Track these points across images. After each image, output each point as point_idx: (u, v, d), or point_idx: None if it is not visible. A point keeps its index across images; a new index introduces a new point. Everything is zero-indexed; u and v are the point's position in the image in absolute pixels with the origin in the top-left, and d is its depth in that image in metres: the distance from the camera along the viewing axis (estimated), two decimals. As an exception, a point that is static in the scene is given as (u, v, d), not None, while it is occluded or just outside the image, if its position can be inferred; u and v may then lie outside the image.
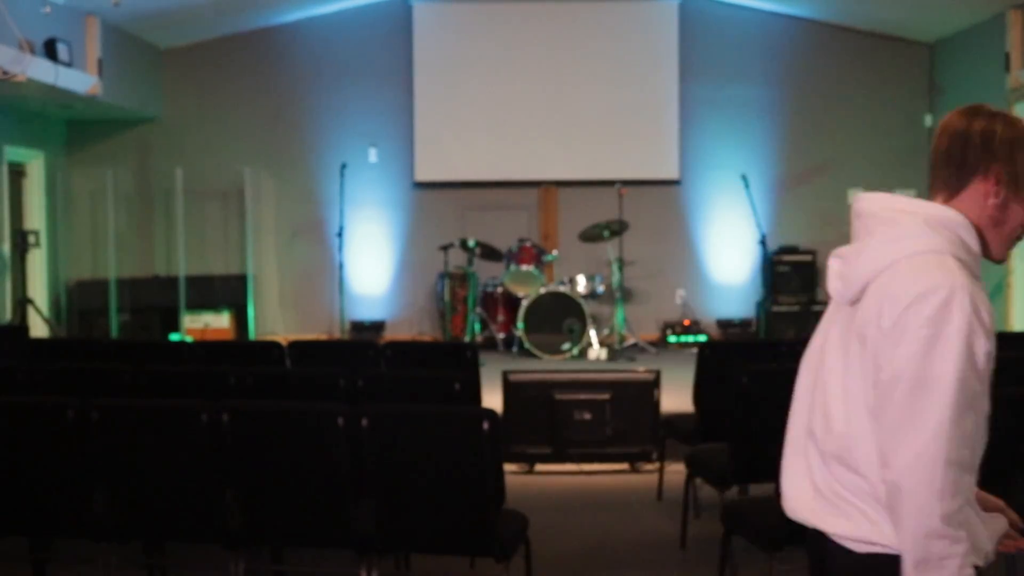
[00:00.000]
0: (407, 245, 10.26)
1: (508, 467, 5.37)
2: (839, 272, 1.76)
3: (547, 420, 5.78)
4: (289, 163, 10.28)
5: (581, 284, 9.06)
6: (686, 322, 9.91)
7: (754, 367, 4.14)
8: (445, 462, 3.22)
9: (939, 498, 1.54)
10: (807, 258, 9.91)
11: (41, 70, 7.35)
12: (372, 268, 10.23)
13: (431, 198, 10.22)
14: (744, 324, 10.00)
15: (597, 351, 8.91)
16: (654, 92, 10.17)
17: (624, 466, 5.88)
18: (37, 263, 9.26)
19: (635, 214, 9.60)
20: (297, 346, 5.37)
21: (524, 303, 8.83)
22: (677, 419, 5.26)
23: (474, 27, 10.22)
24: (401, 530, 3.29)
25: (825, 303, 10.50)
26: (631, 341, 9.36)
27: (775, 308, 9.61)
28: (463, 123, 10.13)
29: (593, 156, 10.12)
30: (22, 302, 8.53)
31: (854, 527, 1.66)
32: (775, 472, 3.41)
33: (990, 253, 1.68)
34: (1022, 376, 4.27)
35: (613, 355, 8.88)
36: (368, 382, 4.14)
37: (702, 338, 9.61)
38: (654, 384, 5.86)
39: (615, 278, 9.38)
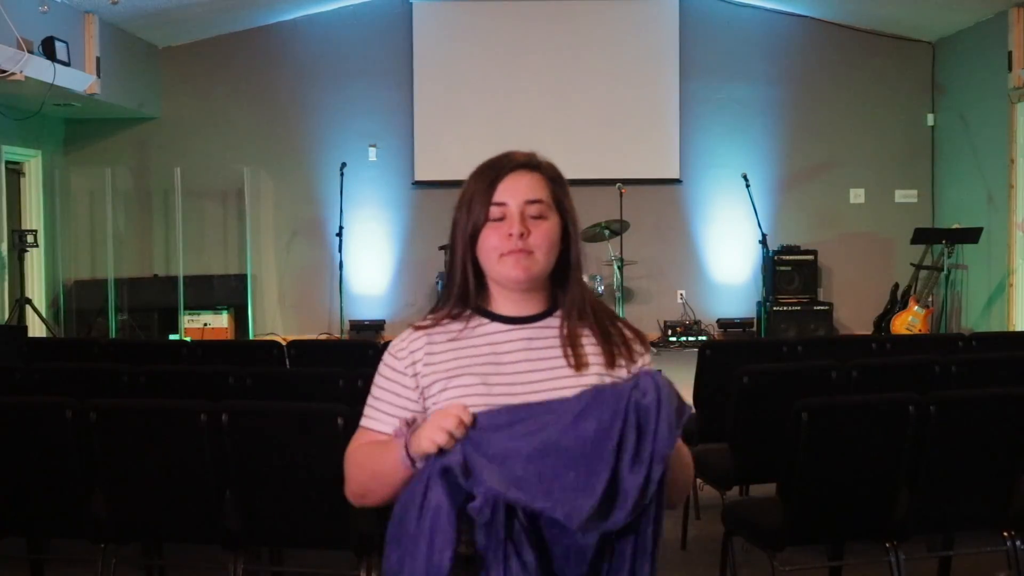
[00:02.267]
0: (407, 245, 10.24)
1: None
2: None
3: (547, 420, 5.74)
4: (288, 162, 10.26)
5: (581, 284, 9.03)
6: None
7: (755, 367, 4.12)
8: (445, 462, 3.20)
9: None
10: (808, 258, 9.90)
11: (39, 69, 7.33)
12: (372, 268, 10.22)
13: (431, 197, 10.20)
14: (745, 324, 9.98)
15: (597, 351, 8.89)
16: (655, 91, 10.16)
17: (624, 466, 5.85)
18: (35, 263, 9.24)
19: (635, 213, 9.59)
20: (296, 346, 5.35)
21: (524, 303, 8.79)
22: (678, 419, 5.22)
23: (474, 26, 10.20)
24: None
25: (825, 302, 10.52)
26: (631, 341, 9.34)
27: (776, 308, 9.59)
28: (463, 122, 10.11)
29: (593, 155, 10.09)
30: (20, 302, 8.51)
31: None
32: (775, 472, 3.41)
33: None
34: (1022, 376, 4.26)
35: (613, 355, 8.85)
36: (368, 382, 4.10)
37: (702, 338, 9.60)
38: (654, 384, 5.82)
39: (615, 278, 9.37)
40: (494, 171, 1.73)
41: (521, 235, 1.69)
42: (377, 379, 1.79)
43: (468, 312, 1.77)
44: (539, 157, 1.77)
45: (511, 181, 1.71)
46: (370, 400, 1.80)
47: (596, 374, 1.72)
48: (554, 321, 1.77)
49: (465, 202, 1.73)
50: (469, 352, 1.73)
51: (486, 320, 1.76)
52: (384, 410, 1.76)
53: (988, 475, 3.38)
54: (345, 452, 1.79)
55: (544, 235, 1.72)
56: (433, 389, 1.72)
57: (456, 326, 1.76)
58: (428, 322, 1.78)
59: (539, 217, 1.72)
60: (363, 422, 1.79)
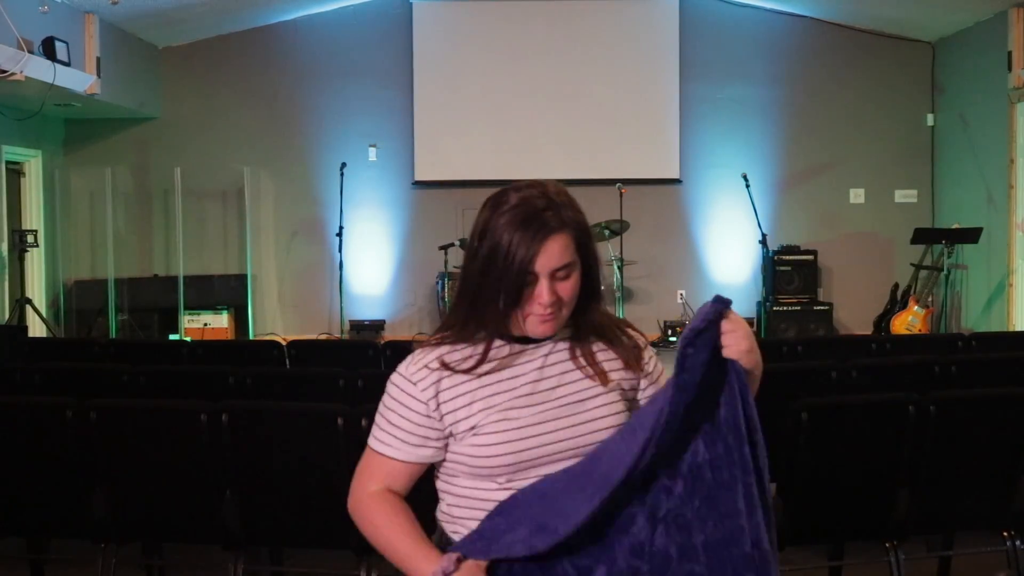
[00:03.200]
0: (407, 245, 10.24)
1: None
2: None
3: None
4: (289, 162, 10.26)
5: (581, 284, 9.02)
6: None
7: (755, 367, 4.10)
8: (445, 462, 3.20)
9: None
10: (808, 258, 9.90)
11: (39, 69, 7.33)
12: (372, 268, 10.21)
13: (431, 197, 10.20)
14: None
15: (597, 351, 8.89)
16: (655, 91, 10.16)
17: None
18: (35, 263, 9.24)
19: (635, 213, 9.59)
20: (297, 346, 5.36)
21: (524, 303, 8.79)
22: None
23: (474, 26, 10.20)
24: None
25: (825, 303, 10.49)
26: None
27: (776, 308, 9.59)
28: (463, 122, 10.11)
29: (593, 155, 10.10)
30: (20, 302, 8.51)
31: None
32: (775, 472, 3.40)
33: None
34: (1022, 376, 4.27)
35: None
36: (368, 382, 4.13)
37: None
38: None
39: (616, 278, 9.37)
40: (531, 237, 1.71)
41: (551, 303, 1.73)
42: (389, 403, 1.79)
43: (481, 334, 1.78)
44: (563, 210, 1.74)
45: (546, 249, 1.71)
46: (383, 424, 1.79)
47: (616, 380, 1.81)
48: (566, 332, 1.82)
49: (501, 259, 1.71)
50: (490, 379, 1.76)
51: (502, 341, 1.79)
52: (402, 438, 1.77)
53: (988, 475, 3.37)
54: (356, 471, 1.82)
55: (569, 292, 1.75)
56: (457, 415, 1.75)
57: (470, 348, 1.78)
58: (437, 341, 1.80)
59: (564, 278, 1.74)
60: (377, 447, 1.79)
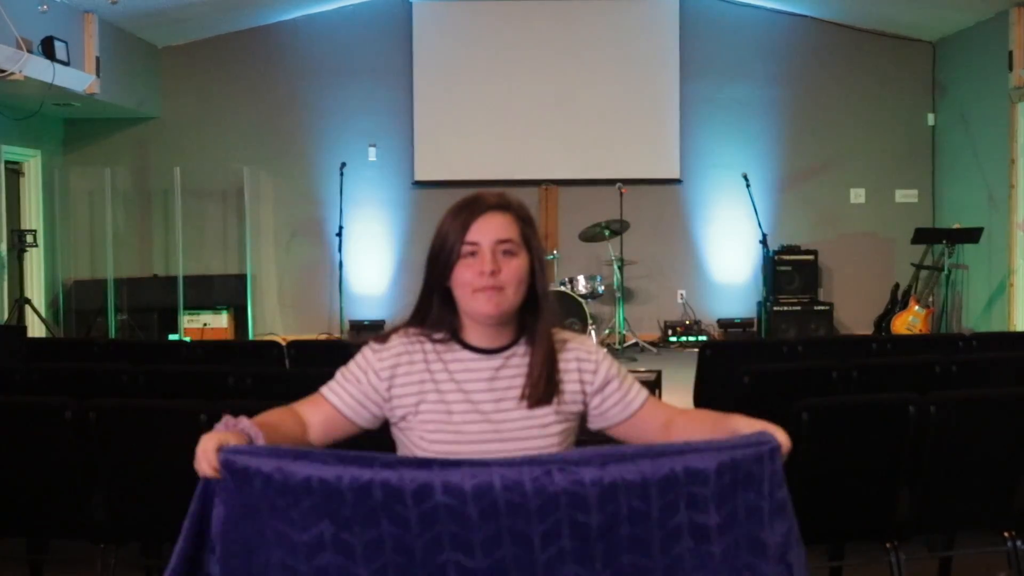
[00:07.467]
0: (407, 245, 10.23)
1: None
2: None
3: (547, 420, 5.73)
4: (288, 162, 10.26)
5: (581, 284, 9.04)
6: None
7: (755, 367, 4.11)
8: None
9: None
10: (808, 258, 9.89)
11: (39, 68, 7.33)
12: (372, 268, 10.21)
13: (431, 197, 10.18)
14: (745, 324, 9.98)
15: (597, 351, 8.89)
16: (655, 91, 10.15)
17: (624, 466, 5.83)
18: (35, 263, 9.23)
19: (636, 213, 9.58)
20: (296, 346, 5.35)
21: (524, 303, 8.79)
22: (678, 419, 5.21)
23: (474, 26, 10.20)
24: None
25: (826, 303, 10.47)
26: (632, 341, 9.35)
27: (776, 308, 9.59)
28: (463, 122, 10.11)
29: (593, 155, 10.09)
30: (20, 302, 8.51)
31: None
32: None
33: None
34: (1022, 376, 4.26)
35: (614, 355, 8.86)
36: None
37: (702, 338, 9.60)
38: (655, 384, 5.82)
39: (615, 278, 9.36)
40: (468, 212, 1.83)
41: (492, 272, 1.80)
42: (351, 366, 1.91)
43: (446, 335, 1.87)
44: (509, 198, 1.87)
45: (483, 222, 1.82)
46: (342, 376, 1.92)
47: (561, 399, 1.87)
48: (520, 349, 1.87)
49: (440, 239, 1.84)
50: (440, 377, 1.85)
51: (458, 347, 1.87)
52: (351, 392, 1.89)
53: (988, 475, 3.37)
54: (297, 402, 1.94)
55: (514, 272, 1.82)
56: (404, 401, 1.85)
57: (433, 347, 1.87)
58: (414, 334, 1.89)
59: (509, 254, 1.82)
60: (325, 390, 1.92)
